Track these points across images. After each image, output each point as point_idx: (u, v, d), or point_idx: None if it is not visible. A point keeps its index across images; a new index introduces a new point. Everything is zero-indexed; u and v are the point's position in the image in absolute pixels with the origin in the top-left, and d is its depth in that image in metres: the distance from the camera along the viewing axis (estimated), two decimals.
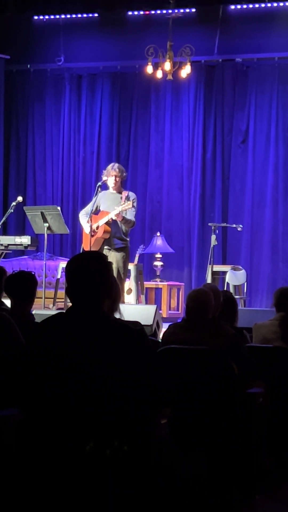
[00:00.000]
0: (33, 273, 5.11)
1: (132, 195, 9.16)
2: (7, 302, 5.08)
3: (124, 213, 8.89)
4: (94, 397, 2.84)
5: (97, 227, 9.02)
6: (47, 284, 10.78)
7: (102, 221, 8.98)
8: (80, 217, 9.34)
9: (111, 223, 8.98)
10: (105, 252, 9.00)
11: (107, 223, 8.95)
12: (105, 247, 9.05)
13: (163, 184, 13.21)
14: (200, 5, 12.65)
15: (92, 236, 9.02)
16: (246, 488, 4.33)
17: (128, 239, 9.22)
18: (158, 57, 11.69)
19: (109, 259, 8.98)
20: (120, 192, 9.17)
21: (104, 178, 9.16)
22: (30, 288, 4.89)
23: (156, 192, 13.21)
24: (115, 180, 9.07)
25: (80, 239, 13.06)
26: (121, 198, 9.03)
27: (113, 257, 8.97)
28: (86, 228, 9.07)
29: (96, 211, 9.23)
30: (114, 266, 8.92)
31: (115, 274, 8.83)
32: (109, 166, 9.23)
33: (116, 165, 9.21)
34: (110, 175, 9.08)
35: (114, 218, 8.89)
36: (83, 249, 9.22)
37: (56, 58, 13.49)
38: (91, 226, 9.10)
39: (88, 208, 9.27)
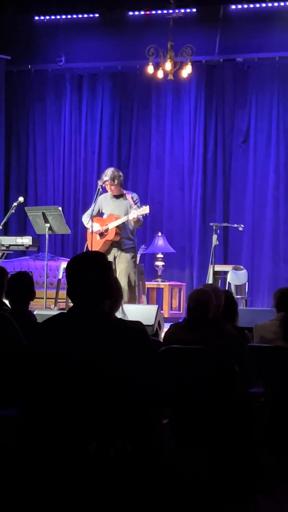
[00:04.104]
0: (30, 272, 5.15)
1: (135, 196, 9.21)
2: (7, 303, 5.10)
3: (134, 214, 8.95)
4: (96, 397, 2.85)
5: (106, 230, 9.06)
6: (48, 284, 10.78)
7: (112, 224, 9.02)
8: (84, 220, 9.36)
9: (121, 226, 9.05)
10: (114, 252, 9.07)
11: (117, 226, 9.01)
12: (114, 248, 9.10)
13: (164, 184, 13.21)
14: (200, 5, 12.65)
15: (101, 238, 9.08)
16: (247, 487, 4.34)
17: (135, 239, 9.31)
18: (159, 57, 11.70)
19: (119, 260, 9.16)
20: (121, 195, 9.19)
21: (100, 183, 9.19)
22: (29, 287, 4.92)
23: (157, 192, 13.21)
24: (110, 187, 9.11)
25: (81, 239, 13.13)
26: (129, 201, 9.06)
27: (123, 257, 9.07)
28: (93, 229, 9.13)
29: (99, 214, 9.28)
30: (124, 266, 9.00)
31: (125, 275, 8.99)
32: (103, 174, 9.23)
33: (110, 172, 9.13)
34: (105, 184, 9.12)
35: (129, 220, 8.96)
36: (87, 248, 9.26)
37: (56, 58, 13.49)
38: (91, 227, 9.15)
39: (90, 211, 9.30)
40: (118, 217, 9.05)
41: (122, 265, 9.07)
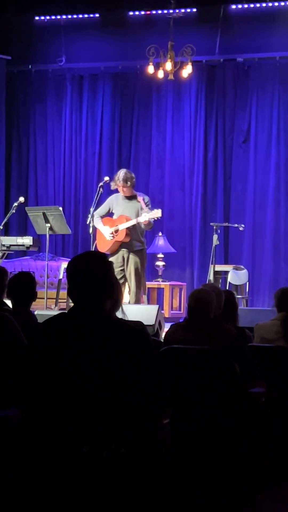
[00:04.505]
0: (32, 272, 5.14)
1: (146, 198, 9.23)
2: (8, 303, 5.10)
3: (145, 217, 8.96)
4: (96, 397, 2.85)
5: (116, 231, 9.06)
6: (49, 284, 10.78)
7: (123, 226, 9.03)
8: (94, 220, 9.35)
9: (131, 227, 9.06)
10: (123, 253, 9.10)
11: (127, 227, 9.02)
12: (123, 249, 9.11)
13: (164, 184, 13.21)
14: (201, 5, 12.64)
15: (111, 238, 9.09)
16: (248, 487, 4.34)
17: (145, 240, 9.38)
18: (159, 57, 11.70)
19: (129, 262, 9.21)
20: (133, 196, 9.17)
21: (113, 186, 9.19)
22: (30, 288, 4.91)
23: (158, 192, 13.21)
24: (122, 189, 9.10)
25: (82, 239, 13.13)
26: (141, 204, 9.06)
27: (133, 259, 9.09)
28: (104, 230, 9.11)
29: (109, 214, 9.28)
30: (133, 268, 9.06)
31: (135, 276, 9.06)
32: (116, 176, 9.18)
33: (122, 175, 9.09)
34: (117, 186, 9.11)
35: (141, 223, 8.97)
36: (95, 247, 9.29)
37: (57, 58, 13.49)
38: (93, 226, 9.17)
39: (101, 210, 9.31)
40: (129, 218, 9.04)
41: (131, 267, 9.09)
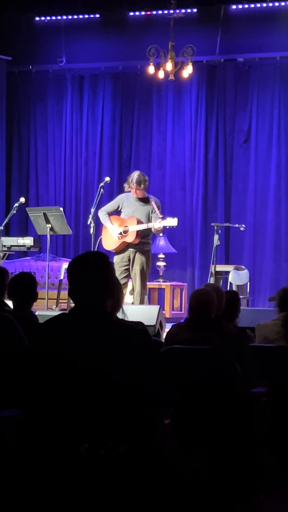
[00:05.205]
0: (33, 273, 5.14)
1: (158, 201, 9.24)
2: (10, 303, 5.09)
3: (160, 224, 8.97)
4: (98, 397, 2.85)
5: (126, 231, 9.04)
6: (50, 285, 10.79)
7: (133, 228, 9.01)
8: (101, 216, 9.34)
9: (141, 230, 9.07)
10: (130, 253, 9.12)
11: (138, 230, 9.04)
12: (130, 249, 9.12)
13: (165, 185, 13.21)
14: (201, 5, 12.64)
15: (118, 238, 9.08)
16: (249, 487, 4.34)
17: (151, 241, 9.42)
18: (159, 57, 11.70)
19: (135, 261, 9.24)
20: (145, 198, 9.16)
21: (126, 188, 9.19)
22: (31, 288, 4.91)
23: (159, 192, 13.16)
24: (135, 191, 9.10)
25: (82, 239, 13.13)
26: (153, 207, 9.05)
27: (139, 259, 9.09)
28: (112, 229, 9.11)
29: (116, 212, 9.28)
30: (139, 268, 9.05)
31: (140, 276, 9.06)
32: (129, 178, 9.18)
33: (135, 177, 9.09)
34: (130, 188, 9.12)
35: (154, 228, 8.97)
36: (100, 243, 9.32)
37: (57, 59, 13.49)
38: (93, 227, 9.18)
39: (109, 207, 9.31)
40: (140, 220, 9.03)
41: (137, 267, 9.09)
